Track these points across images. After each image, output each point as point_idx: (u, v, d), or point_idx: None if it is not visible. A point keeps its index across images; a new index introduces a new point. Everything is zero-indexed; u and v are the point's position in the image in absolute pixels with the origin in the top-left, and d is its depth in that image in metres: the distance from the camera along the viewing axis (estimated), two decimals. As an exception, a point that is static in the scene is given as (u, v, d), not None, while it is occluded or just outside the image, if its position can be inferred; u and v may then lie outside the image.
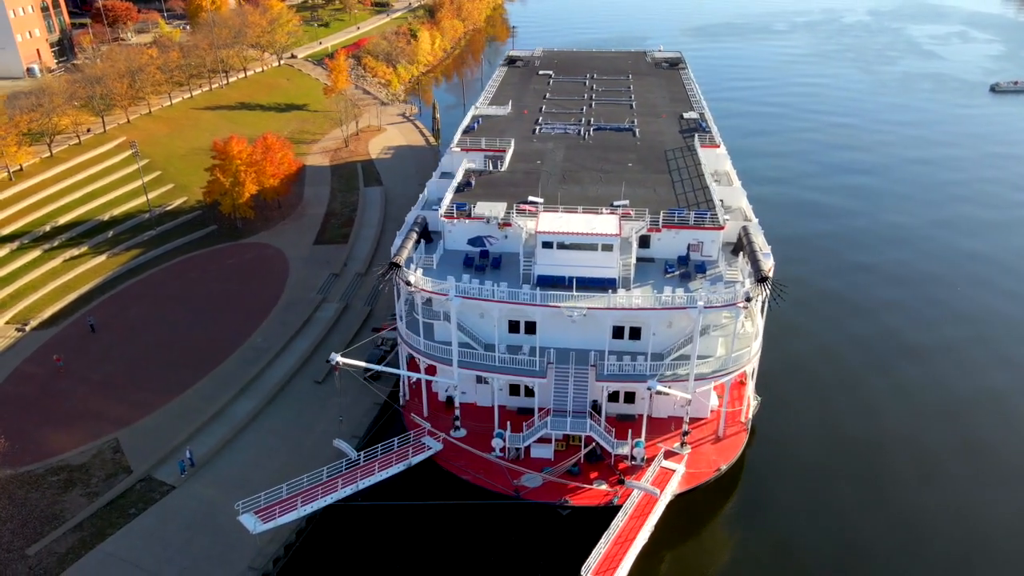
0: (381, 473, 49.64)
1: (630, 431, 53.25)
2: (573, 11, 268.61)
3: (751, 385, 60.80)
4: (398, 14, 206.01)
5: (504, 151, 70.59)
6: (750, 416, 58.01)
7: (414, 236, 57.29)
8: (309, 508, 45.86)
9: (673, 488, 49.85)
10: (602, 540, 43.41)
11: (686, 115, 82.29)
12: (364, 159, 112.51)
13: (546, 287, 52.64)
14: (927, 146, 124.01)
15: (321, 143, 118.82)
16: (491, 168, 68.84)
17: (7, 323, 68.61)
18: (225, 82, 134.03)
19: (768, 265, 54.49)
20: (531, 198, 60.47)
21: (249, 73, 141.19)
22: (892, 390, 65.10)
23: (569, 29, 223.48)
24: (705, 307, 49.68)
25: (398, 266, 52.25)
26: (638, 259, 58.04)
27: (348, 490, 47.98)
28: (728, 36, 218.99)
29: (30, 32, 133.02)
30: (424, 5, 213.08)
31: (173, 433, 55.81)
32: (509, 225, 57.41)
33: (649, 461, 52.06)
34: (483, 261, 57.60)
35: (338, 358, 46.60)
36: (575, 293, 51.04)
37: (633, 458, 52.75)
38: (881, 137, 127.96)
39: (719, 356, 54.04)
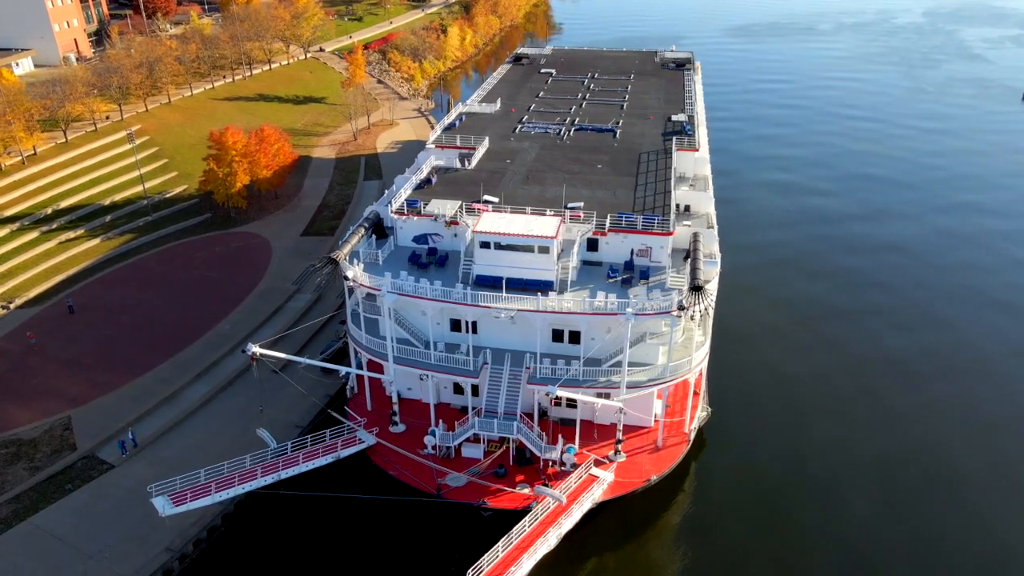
0: (305, 464, 50.33)
1: (560, 436, 52.77)
2: (622, 10, 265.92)
3: (701, 395, 59.66)
4: (433, 9, 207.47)
5: (474, 148, 70.54)
6: (694, 426, 56.70)
7: (361, 231, 57.76)
8: (223, 495, 46.79)
9: (595, 496, 49.23)
10: (500, 543, 43.17)
11: (674, 117, 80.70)
12: (370, 153, 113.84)
13: (485, 287, 52.49)
14: (949, 152, 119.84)
15: (332, 136, 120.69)
16: (461, 166, 68.88)
17: (-6, 300, 72.01)
18: (248, 74, 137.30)
19: (711, 274, 53.20)
20: (486, 197, 60.25)
21: (274, 66, 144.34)
22: (865, 405, 63.20)
23: (613, 27, 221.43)
24: (635, 314, 48.76)
25: (335, 261, 52.78)
26: (586, 262, 57.48)
27: (268, 479, 48.80)
28: (769, 36, 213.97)
29: (68, 22, 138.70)
30: (460, 1, 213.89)
31: (124, 414, 57.67)
32: (457, 224, 57.39)
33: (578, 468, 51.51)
34: (429, 259, 57.73)
35: (253, 348, 47.42)
36: (504, 294, 50.65)
37: (562, 464, 52.22)
38: (904, 142, 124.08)
39: (658, 364, 53.00)
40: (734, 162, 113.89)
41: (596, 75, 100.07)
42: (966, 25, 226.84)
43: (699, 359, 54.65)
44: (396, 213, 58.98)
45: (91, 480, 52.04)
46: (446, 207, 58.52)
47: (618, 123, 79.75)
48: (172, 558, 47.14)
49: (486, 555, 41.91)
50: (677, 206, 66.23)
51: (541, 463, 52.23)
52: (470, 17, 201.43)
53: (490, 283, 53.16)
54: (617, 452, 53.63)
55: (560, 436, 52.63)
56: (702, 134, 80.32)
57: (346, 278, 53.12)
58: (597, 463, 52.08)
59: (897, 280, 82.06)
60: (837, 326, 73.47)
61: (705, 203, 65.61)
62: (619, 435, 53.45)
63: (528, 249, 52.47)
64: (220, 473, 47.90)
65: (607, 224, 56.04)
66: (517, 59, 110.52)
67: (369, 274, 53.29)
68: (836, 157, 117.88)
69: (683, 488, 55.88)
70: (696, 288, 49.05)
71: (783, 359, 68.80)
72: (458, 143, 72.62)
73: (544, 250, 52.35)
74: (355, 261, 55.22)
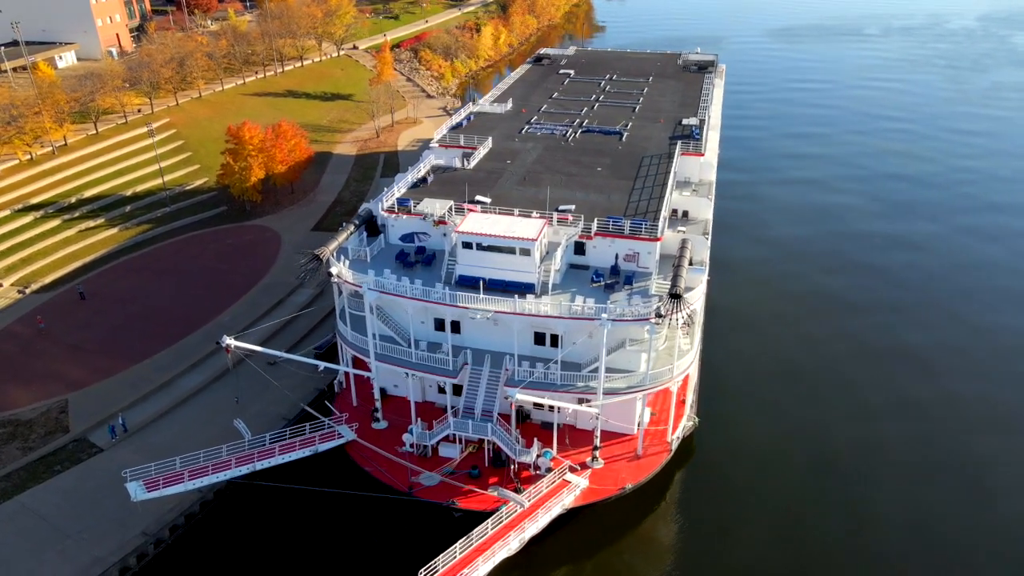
0: (281, 456, 51.03)
1: (537, 440, 52.50)
2: (668, 10, 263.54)
3: (689, 404, 58.70)
4: (470, 8, 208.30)
5: (473, 148, 70.60)
6: (677, 436, 55.77)
7: (351, 228, 58.29)
8: (195, 483, 47.75)
9: (565, 502, 48.81)
10: (458, 544, 43.11)
11: (685, 121, 79.42)
12: (390, 150, 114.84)
13: (467, 287, 52.47)
14: (982, 155, 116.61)
15: (355, 133, 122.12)
16: (461, 165, 68.97)
17: (12, 284, 74.71)
18: (280, 70, 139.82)
19: (695, 281, 52.32)
20: (478, 198, 60.24)
21: (306, 62, 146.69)
22: (857, 419, 61.45)
23: (656, 28, 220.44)
24: (611, 320, 48.18)
25: (319, 258, 53.38)
26: (573, 266, 57.01)
27: (243, 470, 49.63)
28: (812, 38, 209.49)
29: (111, 17, 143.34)
30: (498, 0, 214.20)
31: (119, 399, 59.33)
32: (445, 223, 57.46)
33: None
34: (417, 258, 57.96)
35: (227, 340, 48.23)
36: (482, 295, 50.52)
37: (537, 468, 51.94)
38: (938, 144, 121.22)
39: (639, 372, 52.27)
40: (760, 161, 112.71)
41: (614, 77, 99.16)
42: (1021, 30, 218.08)
43: (683, 367, 53.72)
44: (386, 211, 59.36)
45: (79, 463, 53.68)
46: (436, 206, 58.64)
47: (627, 126, 78.89)
48: (147, 542, 48.34)
49: (442, 555, 41.92)
50: (675, 211, 65.45)
51: (516, 466, 52.05)
52: (506, 17, 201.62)
53: (472, 283, 53.09)
54: (594, 459, 53.13)
55: (537, 440, 52.38)
56: (713, 138, 79.02)
57: (329, 274, 53.68)
58: (573, 469, 51.67)
59: (912, 293, 79.66)
60: (847, 343, 71.26)
61: (704, 209, 64.47)
62: (596, 441, 52.96)
63: (509, 251, 52.27)
64: (196, 461, 48.91)
65: (594, 228, 55.47)
66: (538, 59, 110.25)
67: (353, 271, 53.77)
68: (863, 157, 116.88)
69: (664, 498, 55.09)
70: (675, 296, 48.26)
71: (782, 372, 67.30)
72: (462, 142, 72.78)
73: (525, 252, 52.09)
74: (343, 258, 55.80)
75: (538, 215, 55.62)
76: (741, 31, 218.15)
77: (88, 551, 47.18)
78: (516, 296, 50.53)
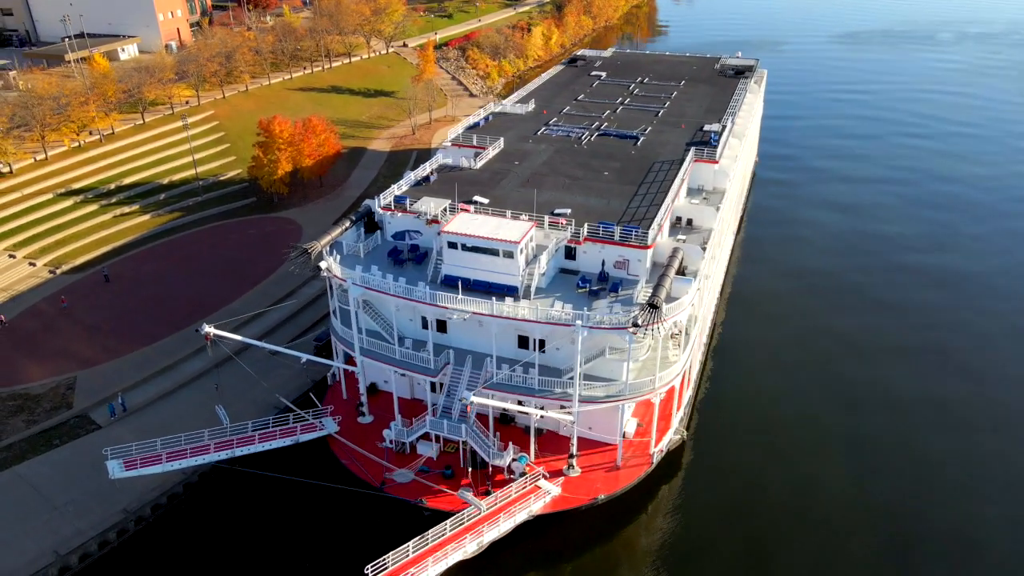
0: (260, 444, 52.14)
1: (511, 442, 52.21)
2: (735, 11, 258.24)
3: (677, 417, 57.39)
4: (525, 8, 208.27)
5: (483, 148, 70.60)
6: (660, 448, 54.52)
7: (346, 223, 59.10)
8: (172, 465, 49.25)
9: (532, 509, 48.35)
10: (411, 543, 43.21)
11: (707, 127, 77.56)
12: (423, 147, 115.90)
13: (452, 287, 52.52)
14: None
15: (392, 129, 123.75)
16: (469, 165, 69.05)
17: (44, 264, 78.59)
18: (328, 66, 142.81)
19: (681, 291, 50.99)
20: (476, 198, 60.24)
21: (354, 59, 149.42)
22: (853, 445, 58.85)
23: (718, 30, 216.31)
24: (585, 327, 47.46)
25: (307, 252, 54.33)
26: (564, 271, 56.41)
27: (221, 455, 50.94)
28: (878, 44, 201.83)
29: (172, 12, 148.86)
30: (554, 1, 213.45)
31: (123, 379, 61.73)
32: (437, 222, 57.64)
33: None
34: (410, 255, 58.32)
35: (207, 328, 49.59)
36: (460, 296, 50.47)
37: (511, 472, 51.64)
38: (995, 157, 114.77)
39: (619, 381, 51.31)
40: (799, 171, 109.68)
41: (644, 80, 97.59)
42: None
43: (667, 378, 52.50)
44: (383, 208, 59.96)
45: (77, 438, 56.11)
46: (431, 205, 58.88)
47: (645, 130, 77.52)
48: (127, 519, 50.20)
49: (392, 553, 42.10)
50: (679, 219, 64.06)
51: (490, 469, 51.86)
52: (561, 17, 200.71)
53: (456, 283, 53.13)
54: (570, 466, 52.48)
55: (512, 444, 52.08)
56: (735, 145, 76.89)
57: (317, 268, 54.58)
58: (549, 476, 51.14)
59: (939, 325, 75.27)
60: (856, 369, 67.95)
61: (708, 218, 62.83)
62: (573, 449, 52.30)
63: (493, 252, 52.07)
64: (178, 444, 50.46)
65: (583, 233, 54.72)
66: (572, 61, 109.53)
67: (342, 266, 54.52)
68: (913, 171, 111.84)
69: (644, 512, 54.05)
70: (652, 306, 47.19)
71: (789, 394, 65.02)
72: (475, 142, 72.90)
73: (508, 254, 51.79)
74: (335, 252, 56.67)
75: (527, 218, 55.22)
76: (807, 35, 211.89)
77: (71, 523, 49.29)
78: (494, 298, 50.30)
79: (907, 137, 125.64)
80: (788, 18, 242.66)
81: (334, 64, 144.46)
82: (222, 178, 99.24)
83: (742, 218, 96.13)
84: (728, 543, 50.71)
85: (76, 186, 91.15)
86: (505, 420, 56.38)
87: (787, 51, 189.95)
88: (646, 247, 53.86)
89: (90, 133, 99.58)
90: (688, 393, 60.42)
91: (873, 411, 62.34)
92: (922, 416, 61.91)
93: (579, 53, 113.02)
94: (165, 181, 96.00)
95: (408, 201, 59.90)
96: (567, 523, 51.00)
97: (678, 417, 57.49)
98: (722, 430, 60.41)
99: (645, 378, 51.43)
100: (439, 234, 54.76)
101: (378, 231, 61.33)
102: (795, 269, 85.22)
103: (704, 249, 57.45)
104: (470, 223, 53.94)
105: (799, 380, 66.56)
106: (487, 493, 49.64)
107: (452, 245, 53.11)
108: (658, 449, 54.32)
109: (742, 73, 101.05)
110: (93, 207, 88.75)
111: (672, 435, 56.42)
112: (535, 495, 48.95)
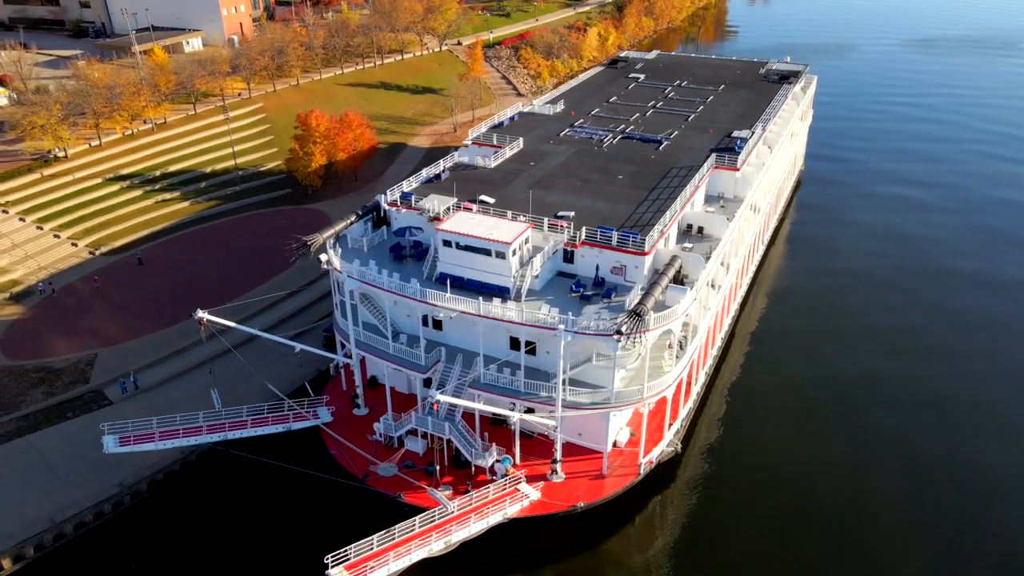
0: (252, 429, 53.54)
1: (494, 443, 52.02)
2: (811, 13, 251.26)
3: (671, 428, 56.13)
4: (585, 8, 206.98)
5: (501, 147, 70.57)
6: (649, 459, 53.39)
7: (352, 217, 60.03)
8: (164, 444, 51.05)
9: (507, 512, 48.05)
10: (376, 536, 43.50)
11: (735, 133, 75.50)
12: (462, 145, 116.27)
13: (445, 285, 52.71)
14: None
15: (435, 126, 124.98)
16: (484, 164, 69.16)
17: (85, 245, 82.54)
18: (380, 62, 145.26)
19: (675, 300, 49.86)
20: (482, 198, 60.28)
21: (407, 56, 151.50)
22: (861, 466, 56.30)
23: (790, 32, 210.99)
24: (567, 331, 46.89)
25: (307, 244, 55.41)
26: (563, 274, 55.91)
27: (214, 437, 52.54)
28: (952, 50, 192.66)
29: (235, 7, 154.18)
30: (615, 1, 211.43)
31: (139, 358, 64.33)
32: (439, 220, 57.87)
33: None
34: (411, 251, 58.81)
35: (201, 313, 51.10)
36: (448, 294, 50.57)
37: (492, 473, 51.51)
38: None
39: (604, 388, 50.51)
40: (848, 187, 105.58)
41: (683, 83, 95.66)
42: None
43: (657, 389, 51.39)
44: (389, 204, 60.65)
45: (88, 412, 58.72)
46: (435, 203, 59.23)
47: (671, 135, 76.01)
48: (123, 493, 52.31)
49: (354, 545, 42.49)
50: (689, 227, 62.64)
51: (473, 468, 51.86)
52: (620, 18, 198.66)
53: (452, 281, 53.29)
54: (554, 472, 51.98)
55: (495, 444, 51.91)
56: (764, 153, 74.62)
57: (319, 260, 55.63)
58: (532, 480, 50.81)
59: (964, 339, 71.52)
60: (883, 417, 63.22)
61: (719, 227, 61.17)
62: (557, 454, 51.77)
63: (486, 252, 52.03)
64: (173, 424, 52.31)
65: (580, 237, 54.07)
66: (613, 62, 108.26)
67: (342, 259, 55.42)
68: (969, 191, 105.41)
69: (631, 523, 53.15)
70: (635, 314, 46.24)
71: (797, 411, 62.83)
72: (495, 141, 73.00)
73: (500, 255, 51.64)
74: (337, 246, 57.66)
75: (523, 219, 54.92)
76: (879, 39, 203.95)
77: (70, 493, 51.68)
78: (481, 298, 50.25)
79: (973, 143, 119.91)
80: (862, 23, 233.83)
81: (386, 60, 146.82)
82: (262, 169, 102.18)
83: (777, 228, 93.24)
84: (713, 559, 49.32)
85: (124, 172, 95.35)
86: (497, 422, 56.23)
87: (857, 57, 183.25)
88: (643, 253, 52.84)
89: (144, 122, 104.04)
90: (688, 406, 59.01)
91: (883, 449, 59.55)
92: (930, 432, 58.94)
93: (622, 55, 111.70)
94: (208, 170, 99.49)
95: (413, 198, 60.45)
96: (550, 529, 50.58)
97: (673, 429, 56.19)
98: (721, 446, 58.76)
99: (634, 387, 50.45)
100: (436, 231, 55.10)
101: (385, 226, 62.19)
102: (830, 289, 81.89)
103: (708, 258, 55.94)
104: (466, 222, 54.03)
105: (813, 407, 63.54)
106: (467, 492, 49.63)
107: (447, 243, 53.33)
108: (647, 460, 53.23)
109: (787, 79, 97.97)
110: (137, 192, 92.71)
111: (665, 447, 55.20)
112: (512, 498, 48.64)
